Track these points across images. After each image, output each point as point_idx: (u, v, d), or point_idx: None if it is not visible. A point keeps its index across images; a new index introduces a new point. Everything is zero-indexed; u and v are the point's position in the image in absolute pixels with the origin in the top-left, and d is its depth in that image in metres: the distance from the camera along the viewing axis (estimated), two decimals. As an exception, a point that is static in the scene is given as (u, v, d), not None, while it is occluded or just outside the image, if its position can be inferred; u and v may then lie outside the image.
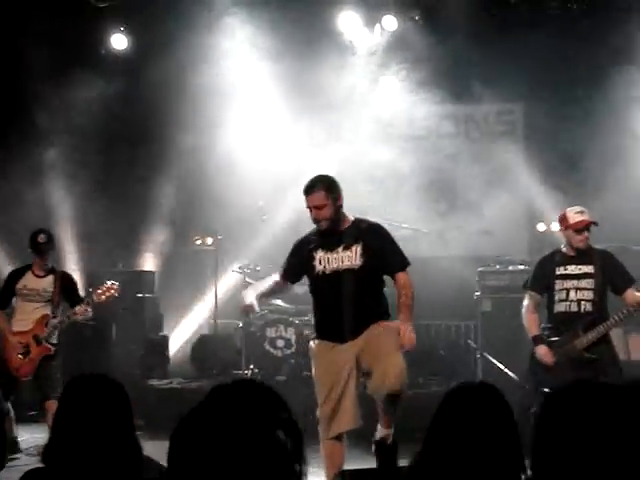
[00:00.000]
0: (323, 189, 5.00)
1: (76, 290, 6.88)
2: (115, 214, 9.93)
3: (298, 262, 5.30)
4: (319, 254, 5.13)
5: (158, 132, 10.14)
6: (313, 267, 5.14)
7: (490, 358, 7.63)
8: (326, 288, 5.14)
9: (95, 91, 9.74)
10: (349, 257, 5.06)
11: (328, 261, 5.10)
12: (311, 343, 5.34)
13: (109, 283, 6.69)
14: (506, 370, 7.44)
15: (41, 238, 6.67)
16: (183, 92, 9.50)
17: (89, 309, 6.61)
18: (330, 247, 5.10)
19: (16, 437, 6.89)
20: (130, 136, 10.36)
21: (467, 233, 9.41)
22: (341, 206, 5.12)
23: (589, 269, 5.66)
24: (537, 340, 5.69)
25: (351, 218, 5.23)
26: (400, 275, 5.12)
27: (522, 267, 8.20)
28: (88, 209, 9.81)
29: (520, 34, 8.99)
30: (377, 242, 5.14)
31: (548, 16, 9.23)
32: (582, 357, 5.49)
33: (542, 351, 5.62)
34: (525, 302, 5.86)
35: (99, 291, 6.63)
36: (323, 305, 5.25)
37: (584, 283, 5.64)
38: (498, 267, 8.33)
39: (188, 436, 1.61)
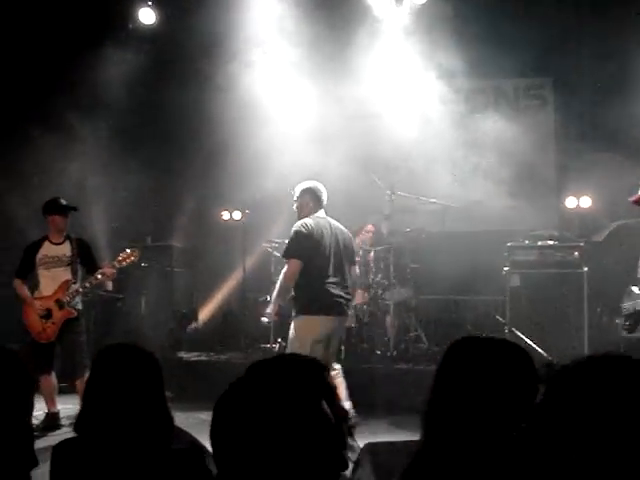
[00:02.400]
0: (299, 188, 6.41)
1: (92, 255, 7.12)
2: (145, 188, 9.99)
3: None
4: None
5: (188, 106, 10.14)
6: None
7: (518, 333, 7.59)
8: None
9: (124, 65, 9.78)
10: None
11: None
12: None
13: (131, 250, 7.02)
14: (534, 346, 7.40)
15: (63, 201, 7.05)
16: (212, 65, 9.48)
17: (114, 270, 6.92)
18: None
19: (58, 411, 7.03)
20: (160, 110, 10.37)
21: (496, 208, 9.33)
22: (304, 206, 6.36)
23: None
24: None
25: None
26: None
27: (551, 242, 8.13)
28: (118, 184, 9.87)
29: (550, 6, 8.86)
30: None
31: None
32: None
33: None
34: None
35: (120, 257, 6.96)
36: None
37: None
38: (527, 242, 8.26)
39: (232, 409, 1.60)
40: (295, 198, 6.39)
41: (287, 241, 6.23)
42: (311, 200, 6.34)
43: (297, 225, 6.19)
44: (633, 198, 5.88)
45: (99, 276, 6.86)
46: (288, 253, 6.15)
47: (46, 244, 7.02)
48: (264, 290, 9.23)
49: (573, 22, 9.13)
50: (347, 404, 6.15)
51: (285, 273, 6.15)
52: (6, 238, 9.17)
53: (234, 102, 9.47)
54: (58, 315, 6.83)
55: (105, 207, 10.00)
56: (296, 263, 6.07)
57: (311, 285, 6.13)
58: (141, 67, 10.03)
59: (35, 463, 2.61)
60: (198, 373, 8.54)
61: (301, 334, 6.11)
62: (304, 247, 6.09)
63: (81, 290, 6.91)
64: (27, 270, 7.04)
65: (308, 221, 6.19)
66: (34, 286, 7.07)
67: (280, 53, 9.74)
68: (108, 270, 6.85)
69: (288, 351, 6.19)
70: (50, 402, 6.94)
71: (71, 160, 9.54)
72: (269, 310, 6.68)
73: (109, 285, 8.20)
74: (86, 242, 7.20)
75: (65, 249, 6.98)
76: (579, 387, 1.49)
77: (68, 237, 7.06)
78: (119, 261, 6.93)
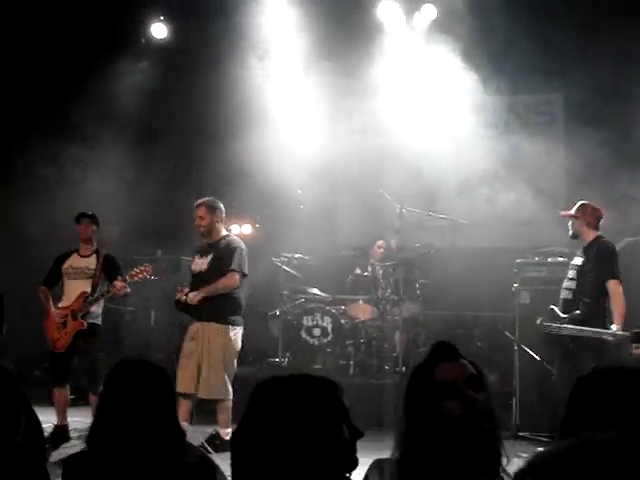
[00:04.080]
0: (205, 206, 6.82)
1: (117, 270, 7.15)
2: (156, 201, 10.02)
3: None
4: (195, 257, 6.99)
5: (197, 121, 10.19)
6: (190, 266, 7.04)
7: (528, 350, 7.56)
8: (192, 283, 6.91)
9: (136, 79, 9.86)
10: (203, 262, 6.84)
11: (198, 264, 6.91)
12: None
13: (143, 266, 7.08)
14: (544, 363, 7.37)
15: (83, 221, 7.19)
16: (222, 81, 9.54)
17: (127, 286, 6.97)
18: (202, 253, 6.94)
19: (67, 424, 7.06)
20: (170, 125, 10.42)
21: (506, 224, 9.32)
22: (217, 222, 6.87)
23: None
24: None
25: (222, 235, 6.92)
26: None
27: (561, 259, 8.09)
28: (129, 197, 9.90)
29: (559, 22, 8.89)
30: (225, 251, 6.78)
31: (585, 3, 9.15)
32: None
33: None
34: None
35: (133, 272, 7.00)
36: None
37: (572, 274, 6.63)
38: (537, 259, 8.23)
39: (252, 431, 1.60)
40: (206, 213, 6.83)
41: (235, 255, 6.75)
42: (221, 217, 6.94)
43: (238, 242, 6.89)
44: (564, 213, 6.86)
45: (110, 289, 6.95)
46: (239, 267, 6.74)
47: (74, 255, 7.21)
48: (273, 304, 9.24)
49: (583, 38, 9.14)
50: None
51: (226, 283, 6.70)
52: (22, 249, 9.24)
53: (246, 115, 9.52)
54: (71, 325, 6.94)
55: (117, 220, 10.02)
56: (239, 278, 6.73)
57: (241, 299, 6.87)
58: (154, 80, 10.10)
59: (47, 478, 2.62)
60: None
61: (236, 345, 6.83)
62: (245, 263, 6.80)
63: (94, 302, 6.98)
64: (53, 279, 7.23)
65: (239, 239, 6.99)
66: (59, 295, 7.22)
67: (291, 67, 9.80)
68: (118, 284, 6.89)
69: (225, 361, 6.73)
70: (61, 415, 6.98)
71: (84, 172, 9.59)
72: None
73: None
74: (113, 258, 7.29)
75: (90, 262, 7.12)
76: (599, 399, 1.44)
77: (97, 251, 7.22)
78: (131, 276, 6.99)
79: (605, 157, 8.97)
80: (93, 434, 2.46)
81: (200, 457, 2.49)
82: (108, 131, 9.79)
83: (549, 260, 8.13)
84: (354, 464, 1.71)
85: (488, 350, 8.58)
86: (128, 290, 7.05)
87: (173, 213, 10.36)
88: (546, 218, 9.30)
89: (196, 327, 6.81)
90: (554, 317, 6.54)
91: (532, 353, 7.52)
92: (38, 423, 2.64)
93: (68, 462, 2.49)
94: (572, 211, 6.70)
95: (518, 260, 8.20)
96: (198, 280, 6.81)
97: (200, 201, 6.91)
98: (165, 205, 10.11)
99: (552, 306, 6.69)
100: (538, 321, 6.68)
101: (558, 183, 9.93)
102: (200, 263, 6.86)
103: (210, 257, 6.81)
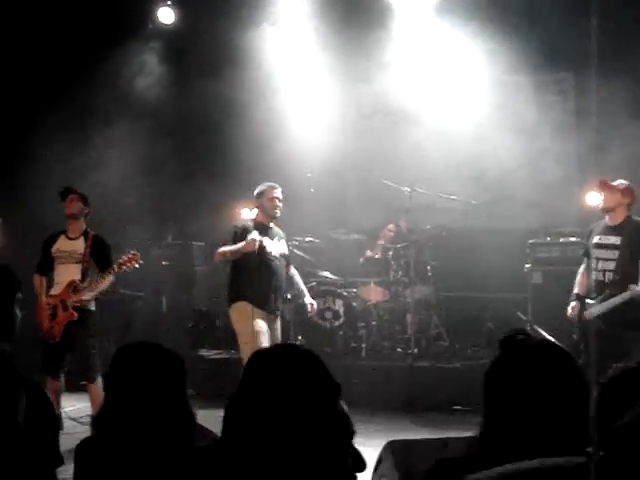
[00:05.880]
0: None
1: (106, 254, 6.68)
2: (166, 187, 10.03)
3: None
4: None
5: (211, 100, 10.17)
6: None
7: (540, 331, 7.54)
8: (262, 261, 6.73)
9: (144, 63, 9.84)
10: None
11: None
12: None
13: (130, 254, 6.59)
14: (557, 343, 7.35)
15: (68, 197, 6.69)
16: (230, 65, 9.50)
17: (112, 274, 6.53)
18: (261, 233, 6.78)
19: (59, 414, 6.85)
20: (183, 105, 10.39)
21: (517, 205, 9.28)
22: None
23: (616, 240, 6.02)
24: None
25: None
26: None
27: (573, 239, 8.07)
28: (140, 181, 9.90)
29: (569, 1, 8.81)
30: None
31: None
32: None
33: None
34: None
35: (120, 261, 6.53)
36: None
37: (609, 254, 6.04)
38: (549, 239, 8.21)
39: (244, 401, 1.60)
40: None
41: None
42: None
43: None
44: (608, 183, 6.12)
45: (101, 281, 6.52)
46: None
47: (62, 238, 6.73)
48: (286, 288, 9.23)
49: (595, 15, 9.04)
50: None
51: None
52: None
53: (254, 98, 9.50)
54: (62, 316, 6.55)
55: (128, 204, 10.03)
56: None
57: None
58: (162, 64, 10.09)
59: (60, 462, 2.62)
60: (219, 371, 8.57)
61: None
62: None
63: (83, 294, 6.54)
64: (46, 264, 6.75)
65: None
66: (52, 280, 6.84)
67: (301, 49, 9.76)
68: (102, 282, 6.50)
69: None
70: (54, 404, 6.79)
71: (93, 158, 9.59)
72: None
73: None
74: (102, 239, 6.77)
75: (78, 245, 6.65)
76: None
77: (85, 233, 6.72)
78: (119, 265, 6.51)
79: (617, 138, 8.90)
80: (101, 419, 2.45)
81: (212, 440, 2.48)
82: (117, 114, 9.78)
83: (561, 240, 8.11)
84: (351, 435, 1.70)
85: (500, 331, 8.54)
86: (111, 281, 6.60)
87: (184, 197, 10.37)
88: (558, 198, 9.27)
89: (264, 314, 6.71)
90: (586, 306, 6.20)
91: (544, 333, 7.50)
92: (50, 406, 2.63)
93: (81, 447, 2.49)
94: (618, 184, 6.10)
95: (530, 241, 8.18)
96: (277, 261, 6.83)
97: (277, 184, 6.98)
98: (176, 189, 10.11)
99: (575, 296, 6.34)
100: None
101: (570, 163, 9.86)
102: (271, 244, 6.80)
103: (282, 242, 6.98)
